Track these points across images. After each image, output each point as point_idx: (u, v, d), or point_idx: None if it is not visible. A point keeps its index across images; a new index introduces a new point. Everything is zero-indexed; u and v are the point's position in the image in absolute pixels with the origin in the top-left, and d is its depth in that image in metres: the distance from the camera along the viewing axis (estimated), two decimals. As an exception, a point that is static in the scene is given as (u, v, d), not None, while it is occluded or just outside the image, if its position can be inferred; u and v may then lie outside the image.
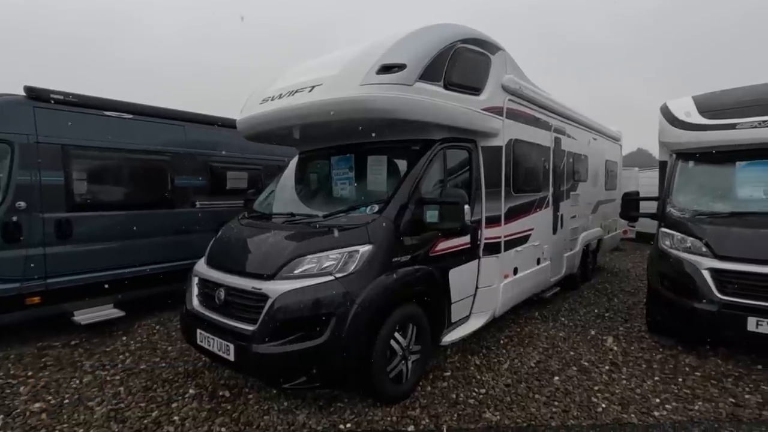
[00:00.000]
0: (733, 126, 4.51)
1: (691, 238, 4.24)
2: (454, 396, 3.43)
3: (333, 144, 4.23)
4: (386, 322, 3.12)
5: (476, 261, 4.19)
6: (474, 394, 3.47)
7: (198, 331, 3.32)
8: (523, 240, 4.92)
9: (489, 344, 4.55)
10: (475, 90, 4.00)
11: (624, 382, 3.70)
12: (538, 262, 5.34)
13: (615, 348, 4.45)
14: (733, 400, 3.37)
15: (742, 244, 3.94)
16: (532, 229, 5.12)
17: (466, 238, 4.00)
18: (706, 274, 3.99)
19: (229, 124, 5.78)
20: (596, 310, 5.81)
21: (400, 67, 3.24)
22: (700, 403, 3.33)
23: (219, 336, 3.12)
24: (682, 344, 4.47)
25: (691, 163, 4.94)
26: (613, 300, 6.39)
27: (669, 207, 4.70)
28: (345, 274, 2.99)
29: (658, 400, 3.37)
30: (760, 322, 3.65)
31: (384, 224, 3.24)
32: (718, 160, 4.71)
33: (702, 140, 4.71)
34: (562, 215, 6.01)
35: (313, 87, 3.46)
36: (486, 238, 4.25)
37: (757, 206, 4.25)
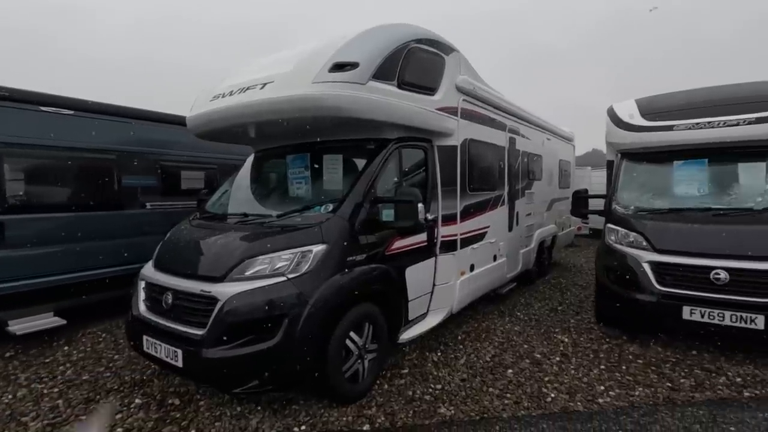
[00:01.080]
0: (670, 128, 4.81)
1: (633, 233, 4.48)
2: (410, 393, 3.46)
3: (289, 143, 4.16)
4: (341, 321, 3.10)
5: (433, 259, 4.25)
6: (430, 390, 3.52)
7: (144, 337, 3.18)
8: (479, 237, 5.03)
9: (447, 340, 4.62)
10: (430, 90, 4.05)
11: (573, 371, 3.86)
12: (495, 259, 5.49)
13: (566, 340, 4.64)
14: (669, 385, 3.58)
15: (678, 238, 4.21)
16: (488, 227, 5.25)
17: (423, 237, 4.04)
18: (647, 267, 4.23)
19: (181, 121, 5.57)
20: (550, 304, 6.03)
21: (353, 65, 3.22)
22: (640, 389, 3.52)
23: (166, 342, 3.00)
24: (627, 334, 4.72)
25: (634, 163, 5.22)
26: (566, 294, 6.66)
27: (614, 204, 4.94)
28: (298, 274, 2.95)
29: (602, 388, 3.53)
30: (693, 311, 3.91)
31: (338, 223, 3.22)
32: (658, 159, 5.01)
33: (643, 141, 4.99)
34: (517, 213, 6.20)
35: (264, 84, 3.39)
36: (442, 236, 4.31)
37: (692, 203, 4.54)
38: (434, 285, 4.28)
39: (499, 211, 5.60)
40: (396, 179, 3.85)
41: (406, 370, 3.87)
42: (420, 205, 3.35)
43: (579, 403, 3.29)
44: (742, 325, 3.71)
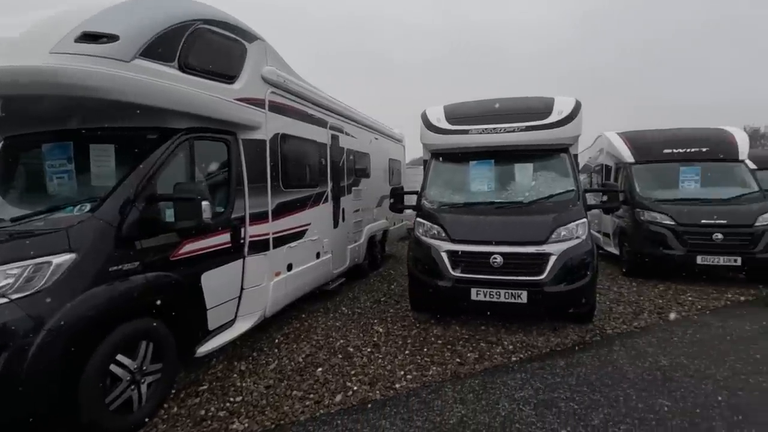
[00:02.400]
0: (467, 131, 5.43)
1: (436, 226, 4.92)
2: (203, 412, 3.11)
3: (48, 128, 3.35)
4: (101, 345, 2.59)
5: (240, 261, 3.95)
6: (228, 405, 3.23)
7: None
8: (298, 235, 4.91)
9: (262, 345, 4.38)
10: (228, 78, 3.73)
11: (380, 360, 4.02)
12: (318, 256, 5.45)
13: (381, 330, 4.85)
14: (458, 360, 4.01)
15: (468, 229, 4.77)
16: (309, 224, 5.17)
17: (225, 237, 3.72)
18: (444, 256, 4.68)
19: None
20: (376, 296, 6.30)
21: (111, 38, 2.71)
22: (434, 368, 3.85)
23: None
24: (434, 318, 5.18)
25: (440, 162, 5.77)
26: (392, 285, 7.06)
27: (423, 200, 5.38)
28: (28, 293, 2.33)
29: (402, 373, 3.76)
30: (478, 292, 4.47)
31: (95, 226, 2.68)
32: (458, 159, 5.63)
33: (447, 142, 5.55)
34: (343, 209, 6.30)
35: (-17, 49, 2.60)
36: (251, 236, 4.05)
37: (481, 197, 5.22)
38: (243, 289, 3.99)
39: (322, 208, 5.58)
40: (188, 174, 3.43)
41: (205, 386, 3.50)
42: (205, 203, 3.01)
43: (378, 392, 3.41)
44: (512, 300, 4.39)
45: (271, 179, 4.33)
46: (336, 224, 6.03)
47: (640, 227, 7.10)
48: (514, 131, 5.28)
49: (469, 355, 4.13)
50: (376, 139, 8.06)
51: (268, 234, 4.26)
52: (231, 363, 3.94)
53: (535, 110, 5.42)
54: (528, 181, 5.29)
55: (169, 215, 3.05)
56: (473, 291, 4.48)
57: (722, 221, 6.52)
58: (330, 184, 5.82)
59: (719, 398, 3.17)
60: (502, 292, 4.41)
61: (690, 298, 5.92)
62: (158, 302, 3.01)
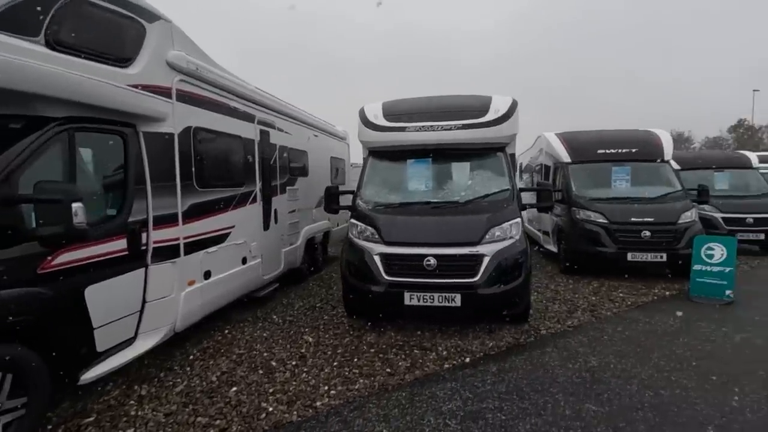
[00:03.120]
0: (404, 129, 5.21)
1: (370, 228, 4.66)
2: (81, 452, 2.65)
3: None
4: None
5: (142, 270, 3.48)
6: (114, 439, 2.78)
7: None
8: (218, 239, 4.47)
9: (173, 363, 3.91)
10: (120, 61, 3.24)
11: (304, 375, 3.70)
12: (245, 262, 5.02)
13: (311, 339, 4.52)
14: (389, 370, 3.77)
15: (401, 230, 4.54)
16: (233, 227, 4.74)
17: (119, 244, 3.23)
18: (377, 259, 4.43)
19: None
20: (312, 302, 5.95)
21: (-58, 2, 2.19)
22: (362, 380, 3.58)
23: None
24: (370, 324, 4.93)
25: (377, 160, 5.51)
26: (332, 288, 6.73)
27: (358, 199, 5.10)
28: None
29: (326, 388, 3.45)
30: (411, 296, 4.26)
31: None
32: (395, 157, 5.40)
33: (384, 139, 5.30)
34: (276, 210, 5.89)
35: None
36: (156, 242, 3.58)
37: (417, 197, 5.02)
38: (145, 302, 3.52)
39: (249, 209, 5.16)
40: (66, 172, 2.91)
41: (92, 418, 3.01)
42: (77, 204, 2.54)
43: (295, 413, 3.09)
44: (446, 304, 4.21)
45: (182, 178, 3.87)
46: (267, 226, 5.61)
47: (576, 225, 7.26)
48: (451, 129, 5.13)
49: (400, 364, 3.90)
50: (316, 136, 7.69)
51: (177, 239, 3.80)
52: (131, 387, 3.46)
53: (473, 108, 5.30)
54: (465, 181, 5.17)
55: (29, 220, 2.56)
56: (407, 295, 4.26)
57: (649, 219, 6.78)
58: (259, 184, 5.40)
59: (643, 399, 3.15)
60: (436, 295, 4.22)
61: (621, 295, 6.08)
62: (21, 324, 2.51)
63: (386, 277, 4.36)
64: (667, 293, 6.13)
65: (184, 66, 3.86)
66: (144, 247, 3.49)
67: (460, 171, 5.32)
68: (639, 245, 6.72)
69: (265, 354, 4.15)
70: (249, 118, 5.21)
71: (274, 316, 5.32)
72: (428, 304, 4.24)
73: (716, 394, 3.21)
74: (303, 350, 4.23)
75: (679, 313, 5.10)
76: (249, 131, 5.20)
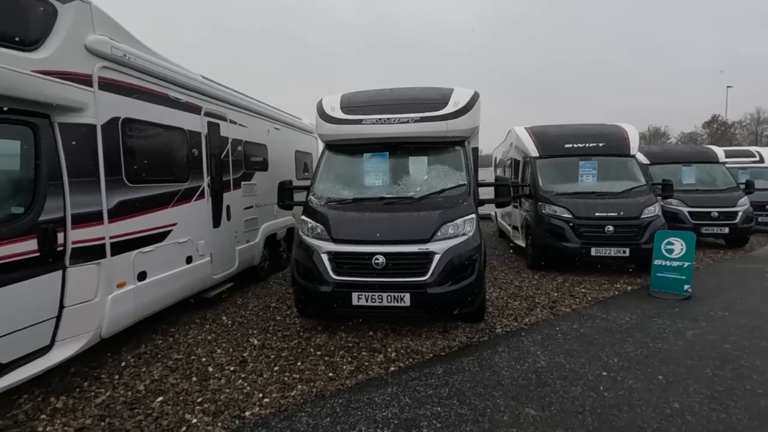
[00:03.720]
0: (360, 121, 5.00)
1: (319, 225, 4.45)
2: (-30, 475, 2.41)
3: None
4: None
5: (58, 272, 3.21)
6: (12, 460, 2.54)
7: None
8: (156, 238, 4.21)
9: (102, 371, 3.67)
10: (24, 44, 2.95)
11: (240, 381, 3.49)
12: (190, 261, 4.77)
13: (256, 342, 4.32)
14: (331, 375, 3.59)
15: (351, 227, 4.35)
16: (174, 224, 4.48)
17: (28, 245, 2.96)
18: (325, 258, 4.23)
19: None
20: (267, 302, 5.73)
21: None
22: (300, 386, 3.39)
23: None
24: (322, 324, 4.75)
25: (333, 154, 5.30)
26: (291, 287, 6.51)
27: (311, 195, 4.88)
28: None
29: (261, 396, 3.26)
30: (360, 296, 4.08)
31: None
32: (351, 151, 5.20)
33: (340, 132, 5.08)
34: (228, 206, 5.64)
35: None
36: (76, 242, 3.31)
37: (371, 193, 4.83)
38: (63, 306, 3.25)
39: (194, 205, 4.89)
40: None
41: (-7, 436, 2.77)
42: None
43: (220, 425, 2.89)
44: (395, 304, 4.05)
45: (108, 173, 3.60)
46: (218, 223, 5.36)
47: (542, 220, 7.18)
48: (408, 122, 4.94)
49: (345, 367, 3.73)
50: (277, 129, 7.41)
51: (103, 238, 3.54)
52: (46, 399, 3.21)
53: (431, 101, 5.13)
54: (421, 175, 4.98)
55: None
56: (354, 295, 4.08)
57: (613, 214, 6.74)
58: (207, 179, 5.13)
59: (585, 402, 3.04)
60: (384, 295, 4.05)
61: (583, 290, 6.02)
62: None
63: (334, 277, 4.16)
64: (629, 288, 6.10)
65: (107, 52, 3.57)
66: (61, 248, 3.22)
67: (418, 165, 5.13)
68: (603, 240, 6.68)
69: (204, 359, 3.93)
70: (194, 109, 4.93)
71: (224, 317, 5.09)
72: (377, 304, 4.07)
73: (660, 395, 3.13)
74: (246, 354, 4.03)
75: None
76: (194, 123, 4.92)
